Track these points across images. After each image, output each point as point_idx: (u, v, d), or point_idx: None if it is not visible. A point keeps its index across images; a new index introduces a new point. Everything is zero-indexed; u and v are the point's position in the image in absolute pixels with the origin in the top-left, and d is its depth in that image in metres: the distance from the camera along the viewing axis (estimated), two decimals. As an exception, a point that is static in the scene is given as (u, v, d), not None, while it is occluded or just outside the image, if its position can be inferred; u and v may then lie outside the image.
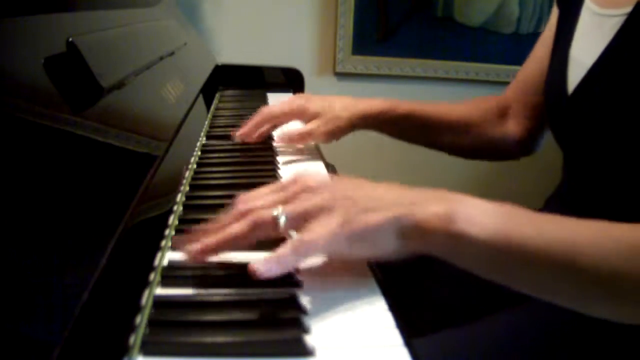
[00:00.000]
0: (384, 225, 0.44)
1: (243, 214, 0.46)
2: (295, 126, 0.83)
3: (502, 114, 0.88)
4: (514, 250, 0.44)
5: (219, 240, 0.45)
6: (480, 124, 0.87)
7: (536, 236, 0.44)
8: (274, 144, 0.84)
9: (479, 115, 0.88)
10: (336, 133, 0.81)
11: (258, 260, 0.42)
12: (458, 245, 0.44)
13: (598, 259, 0.44)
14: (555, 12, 0.81)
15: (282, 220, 0.45)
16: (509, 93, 0.89)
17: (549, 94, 0.75)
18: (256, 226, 0.45)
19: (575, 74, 0.67)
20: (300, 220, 0.45)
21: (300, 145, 0.85)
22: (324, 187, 0.47)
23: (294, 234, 0.46)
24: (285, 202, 0.46)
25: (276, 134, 0.79)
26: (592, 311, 0.47)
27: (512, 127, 0.87)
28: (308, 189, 0.46)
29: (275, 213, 0.45)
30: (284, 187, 0.48)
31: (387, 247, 0.45)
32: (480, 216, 0.45)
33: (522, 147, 0.88)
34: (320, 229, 0.43)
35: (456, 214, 0.44)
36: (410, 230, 0.44)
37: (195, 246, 0.45)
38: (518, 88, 0.88)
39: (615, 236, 0.45)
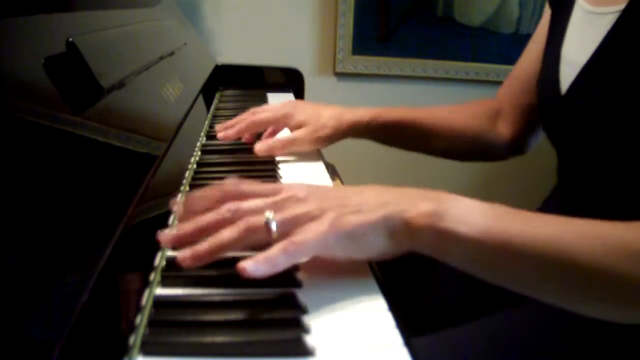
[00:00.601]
0: (372, 224, 0.45)
1: (233, 213, 0.46)
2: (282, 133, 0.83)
3: (493, 115, 0.88)
4: (500, 247, 0.44)
5: (212, 248, 0.44)
6: (471, 128, 0.87)
7: (522, 233, 0.45)
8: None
9: (471, 119, 0.87)
10: (320, 142, 0.80)
11: (247, 260, 0.42)
12: (445, 243, 0.45)
13: (585, 256, 0.44)
14: (547, 12, 0.81)
15: (274, 225, 0.45)
16: (500, 95, 0.89)
17: (541, 94, 0.75)
18: (248, 232, 0.45)
19: (568, 73, 0.67)
20: (290, 226, 0.45)
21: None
22: (312, 196, 0.47)
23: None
24: (274, 208, 0.46)
25: (257, 145, 0.77)
26: (581, 309, 0.47)
27: (503, 129, 0.87)
28: (296, 199, 0.47)
29: (266, 219, 0.45)
30: (272, 192, 0.48)
31: (377, 247, 0.46)
32: (468, 214, 0.45)
33: (513, 147, 0.88)
34: (309, 231, 0.44)
35: (444, 212, 0.45)
36: (398, 228, 0.45)
37: (187, 253, 0.44)
38: (509, 89, 0.87)
39: (602, 233, 0.45)
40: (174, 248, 0.51)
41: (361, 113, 0.82)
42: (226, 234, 0.45)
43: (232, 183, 0.50)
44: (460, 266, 0.47)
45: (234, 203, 0.47)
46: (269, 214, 0.45)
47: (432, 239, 0.45)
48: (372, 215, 0.45)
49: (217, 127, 0.83)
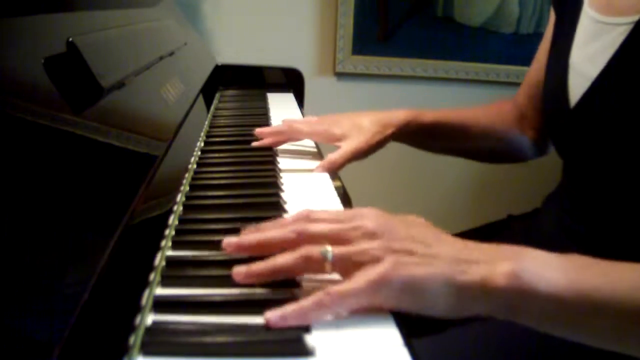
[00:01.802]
0: (437, 280, 0.42)
1: (297, 234, 0.45)
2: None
3: (519, 118, 0.89)
4: (582, 301, 0.43)
5: (266, 271, 0.44)
6: (502, 129, 0.88)
7: (603, 287, 0.43)
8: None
9: (501, 120, 0.88)
10: (372, 149, 0.79)
11: (275, 311, 0.40)
12: (525, 302, 0.43)
13: None
14: (553, 16, 0.80)
15: (329, 257, 0.43)
16: (520, 97, 0.89)
17: (548, 104, 0.74)
18: (304, 261, 0.44)
19: (578, 84, 0.66)
20: (347, 264, 0.43)
21: (301, 147, 0.85)
22: (381, 232, 0.44)
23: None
24: (337, 238, 0.45)
25: (317, 167, 0.75)
26: None
27: (528, 131, 0.88)
28: (364, 231, 0.45)
29: (322, 252, 0.43)
30: (345, 220, 0.46)
31: (438, 305, 0.42)
32: (546, 270, 0.43)
33: (537, 149, 0.89)
34: (357, 280, 0.41)
35: (523, 270, 0.42)
36: (470, 289, 0.42)
37: (242, 269, 0.44)
38: (527, 94, 0.88)
39: None
40: (175, 248, 0.51)
41: (400, 117, 0.81)
42: (282, 260, 0.44)
43: (310, 210, 0.48)
44: (537, 324, 0.45)
45: (301, 224, 0.46)
46: (327, 248, 0.43)
47: (510, 300, 0.42)
48: (437, 269, 0.42)
49: (257, 130, 0.81)
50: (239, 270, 0.44)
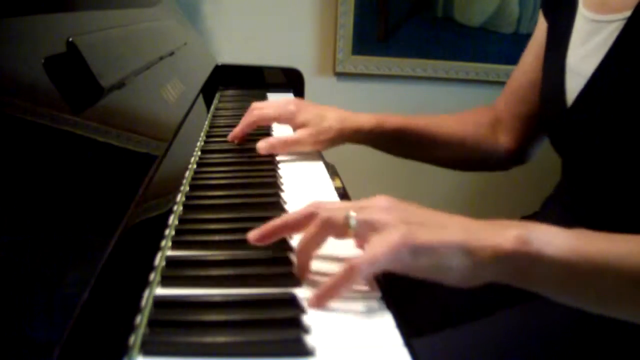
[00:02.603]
0: (450, 244, 0.44)
1: (316, 208, 0.48)
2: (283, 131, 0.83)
3: (494, 124, 0.87)
4: (586, 264, 0.45)
5: (300, 247, 0.47)
6: (472, 137, 0.86)
7: (608, 251, 0.46)
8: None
9: (471, 128, 0.87)
10: (323, 144, 0.80)
11: (311, 297, 0.43)
12: (532, 266, 0.45)
13: None
14: (542, 23, 0.80)
15: (353, 223, 0.45)
16: (499, 104, 0.88)
17: (545, 106, 0.74)
18: (327, 225, 0.46)
19: (574, 84, 0.66)
20: (367, 229, 0.46)
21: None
22: (395, 208, 0.47)
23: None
24: (357, 209, 0.47)
25: (259, 143, 0.78)
26: None
27: (504, 139, 0.86)
28: (379, 207, 0.47)
29: (347, 215, 0.46)
30: (357, 202, 0.49)
31: (456, 270, 0.44)
32: (553, 237, 0.46)
33: (514, 158, 0.88)
34: (379, 245, 0.43)
35: (530, 236, 0.45)
36: (482, 253, 0.44)
37: (256, 231, 0.48)
38: (508, 99, 0.87)
39: None
40: (175, 248, 0.51)
41: (364, 119, 0.81)
42: (308, 228, 0.47)
43: (314, 201, 0.50)
44: (544, 289, 0.47)
45: (320, 202, 0.49)
46: (351, 213, 0.46)
47: (519, 263, 0.45)
48: (453, 235, 0.44)
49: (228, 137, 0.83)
50: (253, 233, 0.47)
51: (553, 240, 0.46)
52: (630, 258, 0.45)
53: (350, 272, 0.42)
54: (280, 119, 0.82)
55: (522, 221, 0.48)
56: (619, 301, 0.48)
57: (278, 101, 0.84)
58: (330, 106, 0.83)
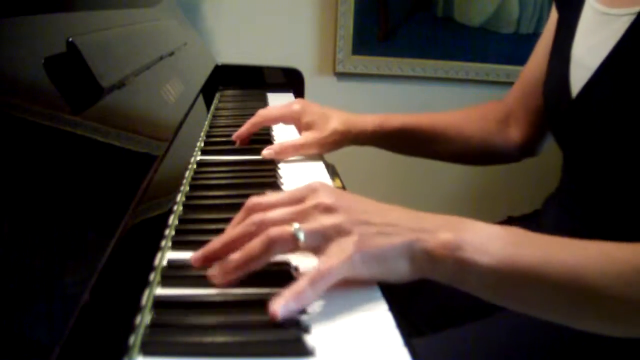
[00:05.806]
0: (396, 248, 0.45)
1: (258, 226, 0.45)
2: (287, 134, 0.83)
3: (503, 119, 0.88)
4: (519, 276, 0.45)
5: (239, 263, 0.44)
6: (479, 131, 0.87)
7: (541, 262, 0.46)
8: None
9: (479, 123, 0.87)
10: (328, 147, 0.80)
11: (275, 301, 0.40)
12: (465, 273, 0.45)
13: (601, 283, 0.45)
14: (554, 14, 0.80)
15: (301, 236, 0.44)
16: (510, 98, 0.89)
17: (549, 97, 0.74)
18: (274, 243, 0.44)
19: (579, 76, 0.66)
20: (318, 239, 0.45)
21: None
22: (339, 206, 0.46)
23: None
24: (300, 217, 0.46)
25: (264, 151, 0.77)
26: (584, 327, 0.48)
27: (514, 132, 0.87)
28: (324, 207, 0.46)
29: (293, 230, 0.44)
30: (297, 200, 0.48)
31: (399, 271, 0.46)
32: (486, 243, 0.46)
33: (524, 151, 0.88)
34: (336, 255, 0.43)
35: (462, 242, 0.45)
36: (421, 256, 0.45)
37: (216, 270, 0.45)
38: (519, 93, 0.87)
39: (619, 260, 0.46)
40: (175, 248, 0.51)
41: (367, 121, 0.82)
42: (251, 245, 0.44)
43: (255, 197, 0.49)
44: (478, 294, 0.47)
45: (259, 215, 0.46)
46: (296, 226, 0.44)
47: (452, 268, 0.45)
48: (397, 239, 0.45)
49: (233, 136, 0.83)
50: (213, 273, 0.45)
51: (488, 247, 0.45)
52: (563, 272, 0.45)
53: (313, 279, 0.42)
54: (286, 119, 0.82)
55: (461, 218, 0.48)
56: (556, 311, 0.48)
57: (283, 104, 0.84)
58: (335, 109, 0.83)
